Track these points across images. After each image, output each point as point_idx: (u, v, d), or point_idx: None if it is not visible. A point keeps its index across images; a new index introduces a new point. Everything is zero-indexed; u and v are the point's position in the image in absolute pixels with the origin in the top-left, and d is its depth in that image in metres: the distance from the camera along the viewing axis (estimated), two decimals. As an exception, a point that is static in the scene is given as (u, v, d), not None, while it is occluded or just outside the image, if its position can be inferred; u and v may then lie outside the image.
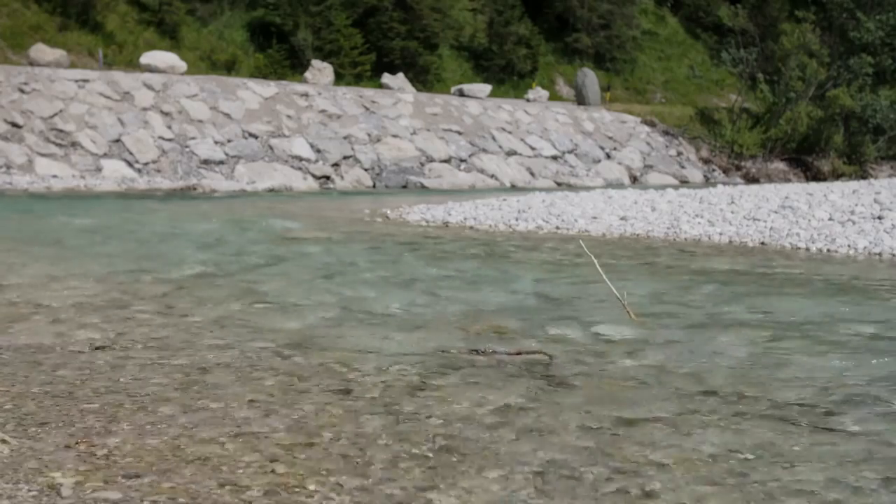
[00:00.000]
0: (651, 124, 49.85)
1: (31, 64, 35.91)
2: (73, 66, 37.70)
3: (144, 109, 34.99)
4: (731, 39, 55.70)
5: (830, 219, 18.33)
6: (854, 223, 17.59)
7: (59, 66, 36.02)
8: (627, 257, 14.59)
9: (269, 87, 39.38)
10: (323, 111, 39.13)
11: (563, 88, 58.11)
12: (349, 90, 42.34)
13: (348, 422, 5.70)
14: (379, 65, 49.85)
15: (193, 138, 34.77)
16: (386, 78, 45.38)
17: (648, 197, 23.41)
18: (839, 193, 23.19)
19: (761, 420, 5.89)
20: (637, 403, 6.22)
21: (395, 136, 39.66)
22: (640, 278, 12.02)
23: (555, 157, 43.55)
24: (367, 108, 40.66)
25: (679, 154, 48.87)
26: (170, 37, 46.71)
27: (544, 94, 50.49)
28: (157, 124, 34.64)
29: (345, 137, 38.19)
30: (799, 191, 25.24)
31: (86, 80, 34.87)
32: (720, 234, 17.39)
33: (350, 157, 37.50)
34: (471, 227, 19.37)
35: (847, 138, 52.25)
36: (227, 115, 36.53)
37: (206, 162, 34.12)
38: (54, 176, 30.07)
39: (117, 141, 33.25)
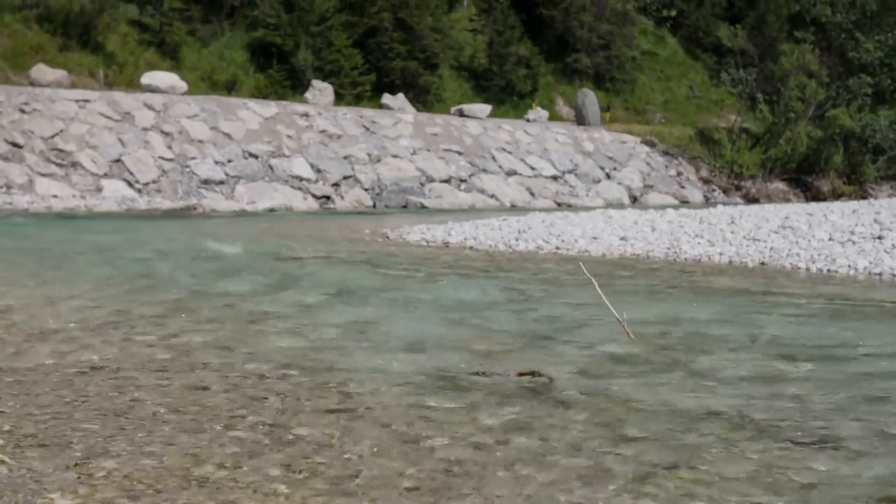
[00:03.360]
0: (651, 144, 49.92)
1: (32, 84, 35.97)
2: (73, 86, 37.77)
3: (145, 129, 35.03)
4: (730, 60, 55.80)
5: (830, 239, 18.32)
6: (854, 243, 17.58)
7: (59, 86, 36.08)
8: (628, 277, 14.58)
9: (269, 108, 39.43)
10: (323, 131, 39.17)
11: (563, 109, 58.16)
12: (349, 110, 42.41)
13: (348, 443, 5.69)
14: (379, 85, 49.93)
15: (194, 158, 34.80)
16: (386, 98, 45.46)
17: (648, 217, 23.40)
18: (839, 213, 23.18)
19: (764, 443, 5.88)
20: (637, 425, 6.21)
21: (395, 156, 39.70)
22: (641, 299, 12.02)
23: (555, 178, 43.59)
24: (367, 129, 40.71)
25: (679, 174, 48.93)
26: (170, 57, 46.80)
27: (544, 114, 50.54)
28: (158, 144, 34.67)
29: (345, 157, 38.23)
30: (799, 211, 25.24)
31: (86, 101, 34.92)
32: (720, 254, 17.38)
33: (350, 177, 37.53)
34: (471, 248, 19.37)
35: (847, 158, 52.30)
36: (228, 136, 36.56)
37: (206, 182, 34.14)
38: (54, 196, 30.09)
39: (117, 161, 33.29)
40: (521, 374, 7.49)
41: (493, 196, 40.07)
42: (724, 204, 36.07)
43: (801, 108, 51.46)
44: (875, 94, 53.38)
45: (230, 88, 46.36)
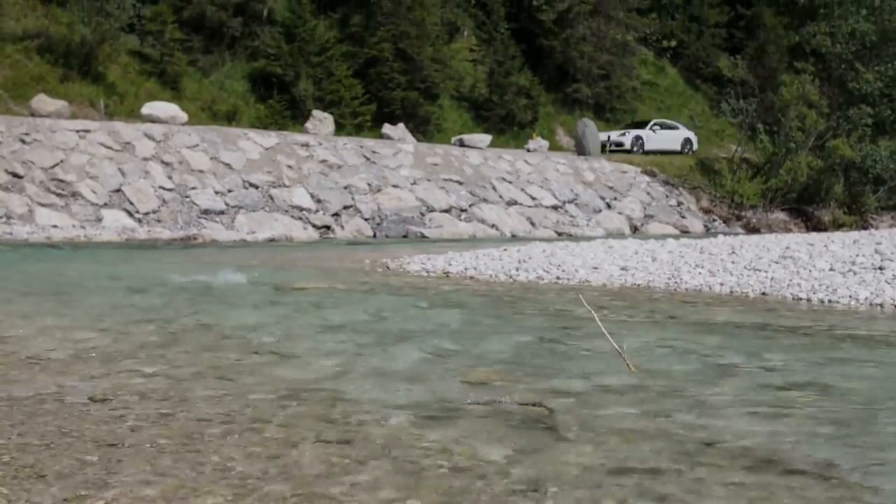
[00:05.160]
0: (651, 174, 49.93)
1: (33, 114, 36.00)
2: (74, 116, 37.78)
3: (145, 160, 35.04)
4: (730, 90, 55.84)
5: (831, 269, 18.29)
6: (855, 273, 17.55)
7: (60, 116, 36.11)
8: (628, 308, 14.55)
9: (269, 138, 39.46)
10: (323, 161, 39.20)
11: (564, 138, 58.24)
12: (350, 140, 42.43)
13: (349, 473, 5.66)
14: (379, 115, 49.96)
15: (194, 188, 34.82)
16: (386, 128, 45.50)
17: (649, 247, 23.37)
18: (840, 244, 23.15)
19: (764, 476, 5.85)
20: (637, 457, 6.18)
21: (395, 186, 39.72)
22: (641, 330, 11.99)
23: (555, 207, 43.60)
24: (367, 159, 40.74)
25: (679, 204, 48.95)
26: (171, 87, 46.85)
27: (544, 144, 50.59)
28: (158, 174, 34.69)
29: (345, 187, 38.25)
30: (799, 241, 25.19)
31: (87, 131, 34.94)
32: (721, 284, 17.34)
33: (350, 206, 37.54)
34: (471, 278, 19.34)
35: (847, 188, 52.34)
36: (228, 166, 36.58)
37: (206, 212, 34.14)
38: (54, 226, 30.07)
39: (118, 191, 33.30)
40: (520, 404, 7.47)
41: (493, 226, 40.07)
42: (725, 234, 36.07)
43: (802, 139, 51.51)
44: (875, 124, 53.45)
45: (231, 118, 46.42)
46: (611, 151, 52.55)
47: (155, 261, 22.16)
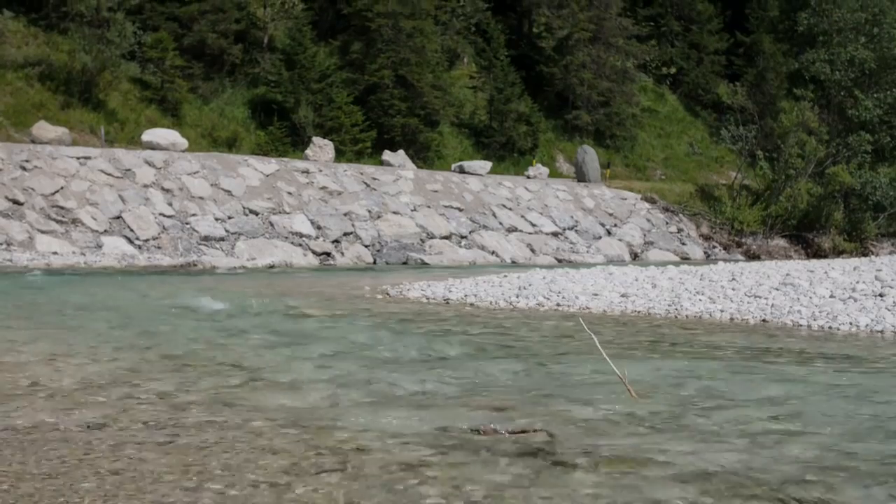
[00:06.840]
0: (651, 201, 49.99)
1: (34, 141, 36.04)
2: (74, 143, 37.84)
3: (145, 186, 35.08)
4: (730, 117, 56.00)
5: (832, 296, 18.26)
6: (855, 300, 17.52)
7: (60, 143, 36.15)
8: (629, 335, 14.53)
9: (269, 164, 39.50)
10: (324, 188, 39.24)
11: (564, 165, 58.27)
12: (350, 167, 42.48)
13: (350, 501, 5.64)
14: (380, 142, 50.02)
15: (194, 215, 34.84)
16: (386, 155, 45.52)
17: (649, 274, 23.35)
18: (840, 270, 23.13)
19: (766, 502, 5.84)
20: (638, 485, 6.16)
21: (395, 212, 39.75)
22: (642, 356, 11.97)
23: (555, 234, 43.63)
24: (367, 185, 40.78)
25: (679, 231, 48.97)
26: (171, 114, 46.92)
27: (545, 170, 50.60)
28: (158, 201, 34.72)
29: (345, 214, 38.28)
30: (800, 268, 25.19)
31: (87, 158, 34.98)
32: (721, 311, 17.33)
33: (350, 233, 37.56)
34: (471, 304, 19.32)
35: (847, 215, 52.41)
36: (228, 192, 36.62)
37: (206, 238, 34.15)
38: (54, 253, 30.08)
39: (118, 218, 33.32)
40: (523, 432, 7.45)
41: (493, 252, 40.08)
42: (725, 261, 36.07)
43: (802, 166, 51.59)
44: (874, 151, 53.55)
45: (231, 145, 46.47)
46: None
47: (154, 287, 22.13)
